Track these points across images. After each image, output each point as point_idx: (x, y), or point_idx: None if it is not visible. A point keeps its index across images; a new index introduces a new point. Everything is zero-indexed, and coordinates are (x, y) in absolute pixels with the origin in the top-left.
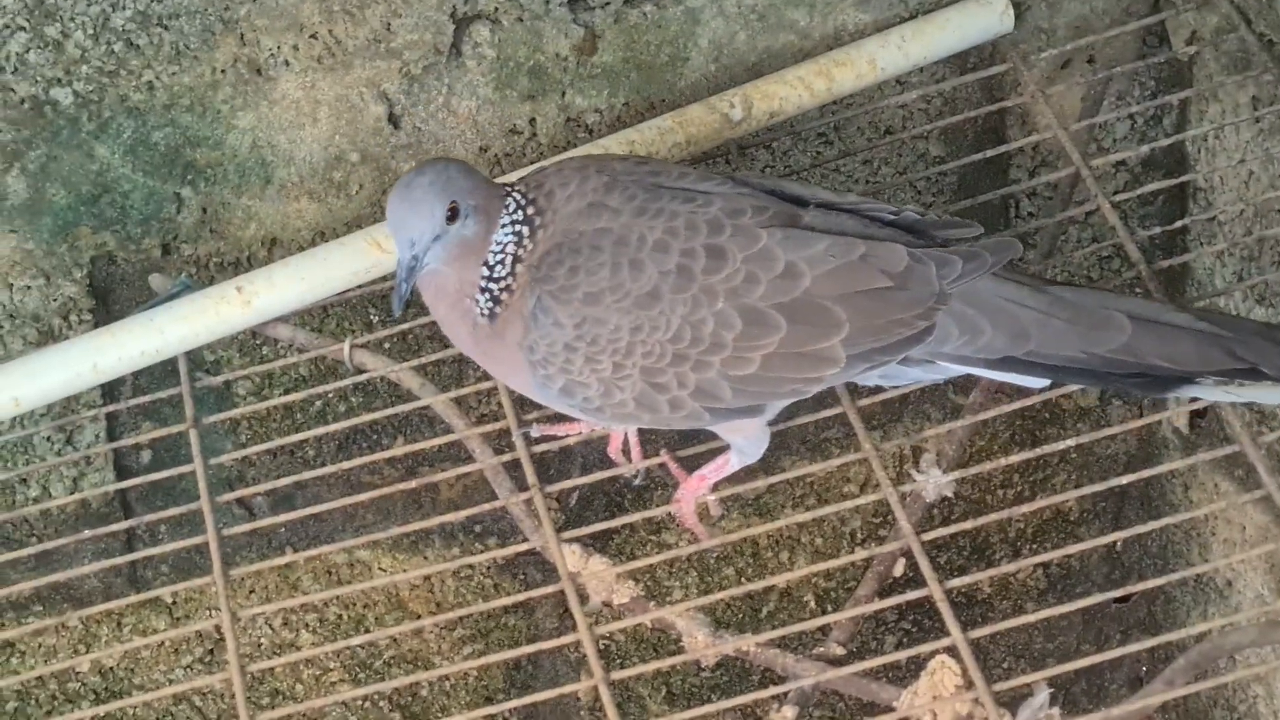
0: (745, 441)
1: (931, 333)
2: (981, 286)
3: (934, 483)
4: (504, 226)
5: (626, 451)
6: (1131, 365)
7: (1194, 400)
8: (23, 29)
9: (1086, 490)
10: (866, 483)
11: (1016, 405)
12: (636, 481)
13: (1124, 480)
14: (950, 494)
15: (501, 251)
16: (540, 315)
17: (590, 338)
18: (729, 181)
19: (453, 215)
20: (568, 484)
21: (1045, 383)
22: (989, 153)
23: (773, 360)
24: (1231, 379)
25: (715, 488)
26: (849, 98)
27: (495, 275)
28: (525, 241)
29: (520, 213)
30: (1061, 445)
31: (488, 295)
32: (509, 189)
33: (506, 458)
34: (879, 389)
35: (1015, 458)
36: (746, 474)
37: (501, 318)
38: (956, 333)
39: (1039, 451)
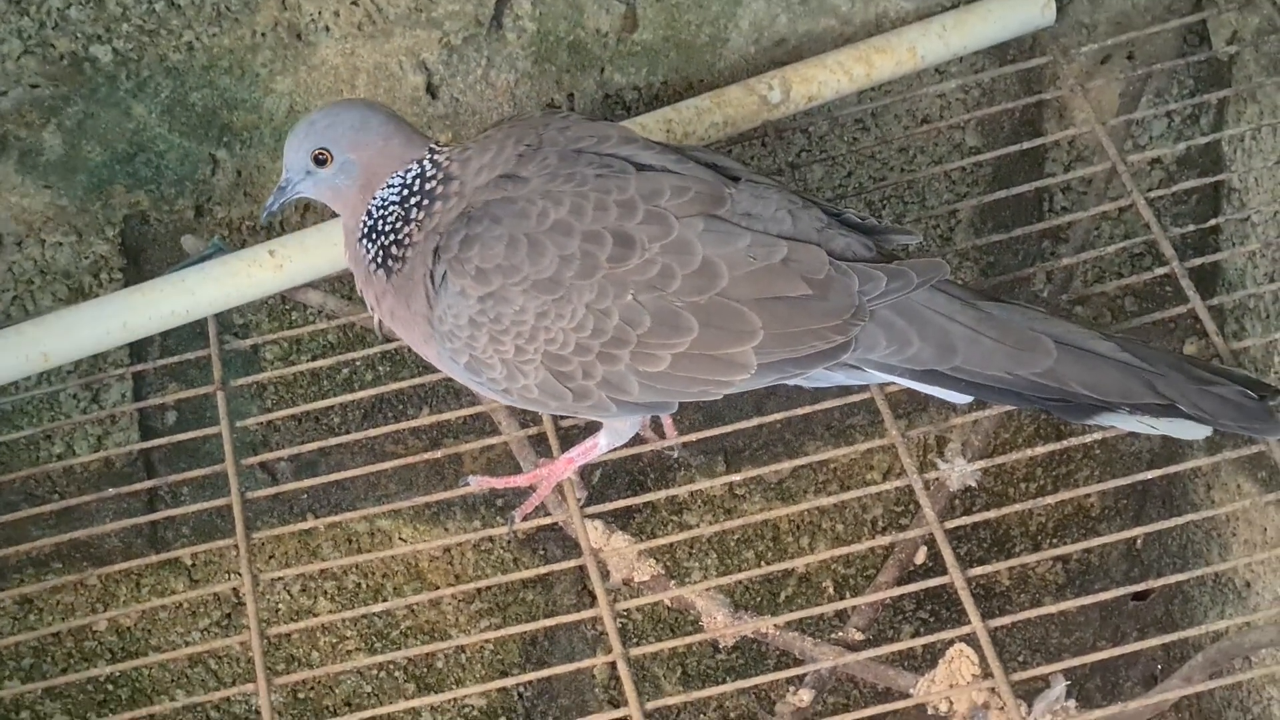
0: (619, 423)
1: (847, 350)
2: (914, 297)
3: (958, 472)
4: (390, 186)
5: (657, 428)
6: (1053, 390)
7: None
8: None
9: (1109, 485)
10: (890, 470)
11: None
12: (675, 454)
13: (1147, 476)
14: (974, 483)
15: (383, 207)
16: (447, 285)
17: (494, 315)
18: (659, 149)
19: (321, 162)
20: (597, 458)
21: (967, 399)
22: (1025, 145)
23: (683, 360)
24: (1149, 413)
25: (581, 470)
26: (887, 85)
27: (379, 228)
28: (419, 209)
29: (418, 181)
30: (1086, 439)
31: (377, 246)
32: (429, 151)
33: (532, 430)
34: None
35: (1040, 449)
36: (770, 457)
37: (400, 279)
38: (884, 341)
39: (1063, 444)
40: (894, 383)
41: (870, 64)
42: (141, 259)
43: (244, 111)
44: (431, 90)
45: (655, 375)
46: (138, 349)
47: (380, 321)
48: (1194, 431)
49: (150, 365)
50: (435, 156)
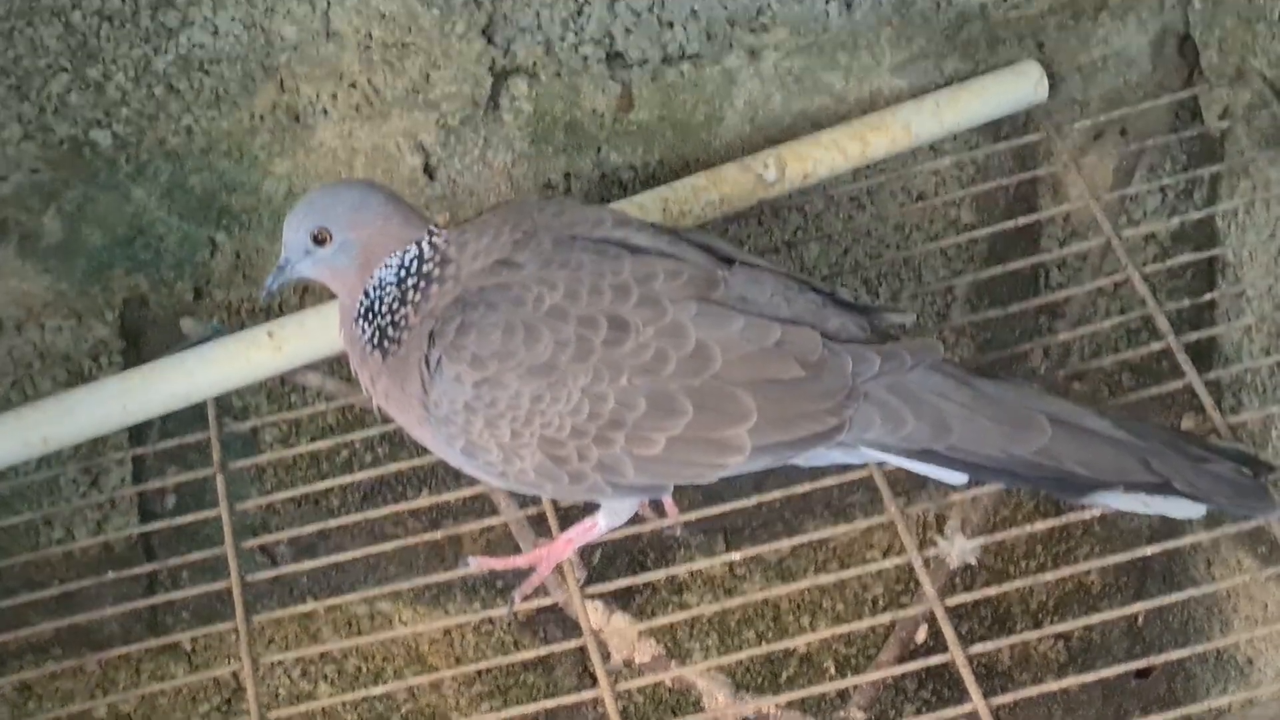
0: (617, 504)
1: (841, 431)
2: (909, 377)
3: (958, 549)
4: (388, 267)
5: (656, 506)
6: (1049, 469)
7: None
8: (64, 70)
9: (1109, 561)
10: (890, 548)
11: None
12: (677, 534)
13: (1147, 552)
14: (974, 561)
15: (380, 288)
16: (442, 370)
17: (489, 399)
18: (652, 231)
19: (322, 241)
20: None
21: (964, 479)
22: (1020, 221)
23: (677, 444)
24: (1144, 491)
25: (580, 551)
26: (882, 162)
27: (376, 309)
28: (415, 291)
29: (416, 262)
30: (1085, 515)
31: (373, 327)
32: (427, 233)
33: (531, 511)
34: None
35: (1040, 525)
36: (769, 536)
37: (395, 362)
38: (879, 421)
39: (1063, 521)
40: (890, 462)
41: (865, 142)
42: (141, 342)
43: (242, 194)
44: (429, 171)
45: (650, 458)
46: (137, 432)
47: (377, 405)
48: (1190, 510)
49: (149, 449)
50: (433, 239)
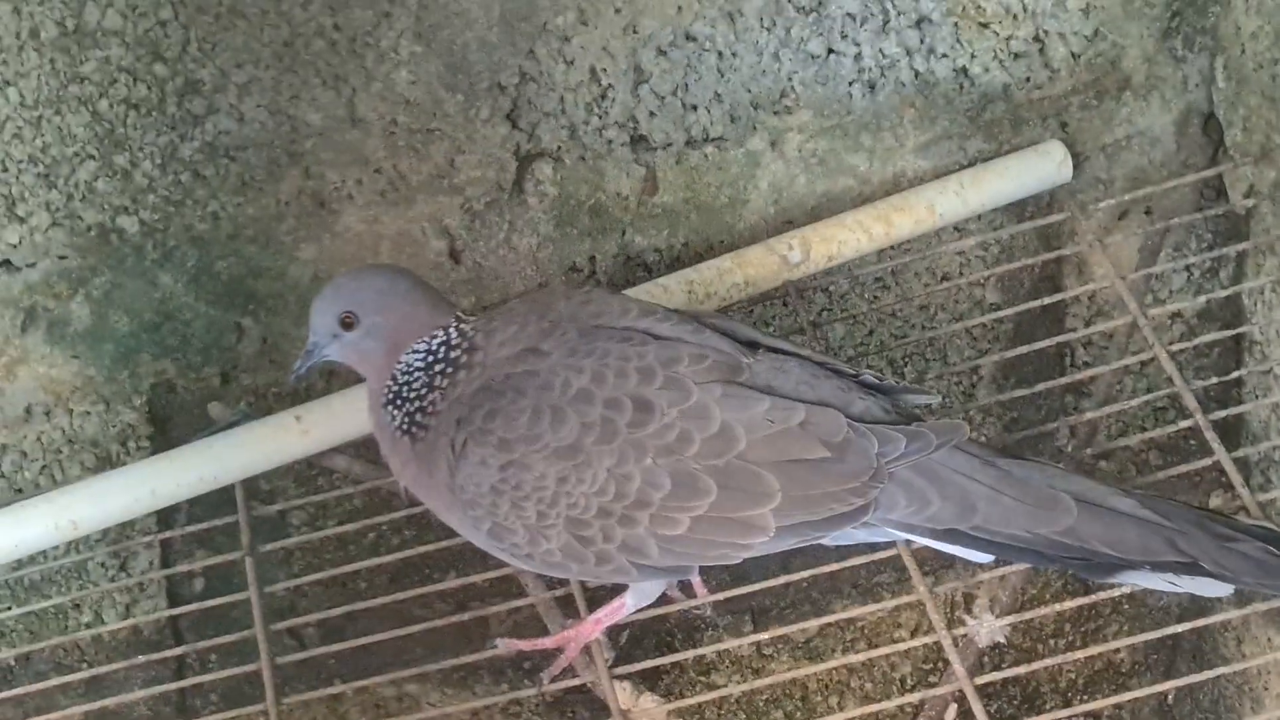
0: (645, 584)
1: (866, 512)
2: (933, 456)
3: (987, 628)
4: (415, 352)
5: (685, 587)
6: (1075, 548)
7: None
8: (92, 157)
9: (1138, 639)
10: (917, 628)
11: None
12: (707, 614)
13: (1176, 629)
14: (1003, 639)
15: (408, 373)
16: (468, 455)
17: (515, 482)
18: (676, 320)
19: (349, 325)
20: (625, 619)
21: (989, 558)
22: (1045, 300)
23: (701, 523)
24: (1171, 571)
25: (609, 630)
26: (907, 243)
27: (404, 394)
28: (443, 377)
29: (443, 348)
30: (1114, 593)
31: (402, 412)
32: (453, 320)
33: (559, 592)
34: None
35: (1069, 604)
36: (797, 616)
37: (423, 446)
38: (904, 501)
39: (1091, 599)
40: (915, 541)
41: (889, 223)
42: (168, 427)
43: (269, 279)
44: (454, 255)
45: (674, 539)
46: (165, 516)
47: (405, 487)
48: (1217, 589)
49: (178, 532)
50: (461, 325)
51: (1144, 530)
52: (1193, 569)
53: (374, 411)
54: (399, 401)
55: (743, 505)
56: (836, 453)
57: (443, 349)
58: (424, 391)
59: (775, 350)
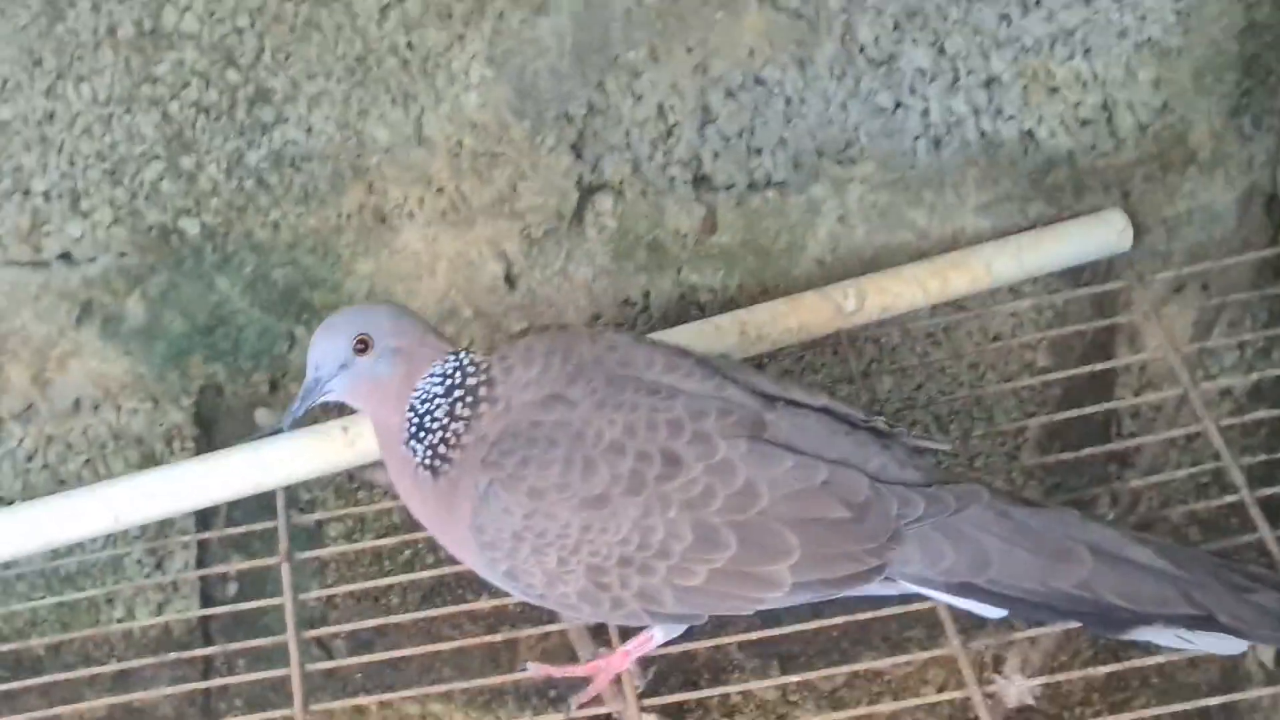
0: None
1: (881, 573)
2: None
3: (1016, 688)
4: (432, 377)
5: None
6: (1088, 602)
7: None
8: (158, 158)
9: (1165, 710)
10: (945, 684)
11: None
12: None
13: (1207, 703)
14: (1031, 701)
15: (427, 399)
16: (491, 499)
17: (539, 530)
18: (702, 370)
19: (363, 348)
20: (654, 651)
21: (1002, 613)
22: (1096, 366)
23: (718, 576)
24: (1186, 625)
25: (639, 661)
26: (961, 300)
27: (426, 425)
28: (465, 407)
29: (460, 375)
30: (1147, 661)
31: (424, 445)
32: (461, 352)
33: (590, 620)
34: None
35: (1102, 669)
36: (824, 664)
37: (445, 483)
38: (918, 556)
39: (1124, 665)
40: (928, 596)
41: (945, 279)
42: (214, 430)
43: (324, 291)
44: (510, 280)
45: (690, 589)
46: (204, 518)
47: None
48: (1230, 646)
49: (216, 534)
50: (471, 354)
51: (1159, 581)
52: (1207, 623)
53: (390, 450)
54: (420, 434)
55: (760, 560)
56: (856, 513)
57: (459, 375)
58: (446, 421)
59: (793, 403)
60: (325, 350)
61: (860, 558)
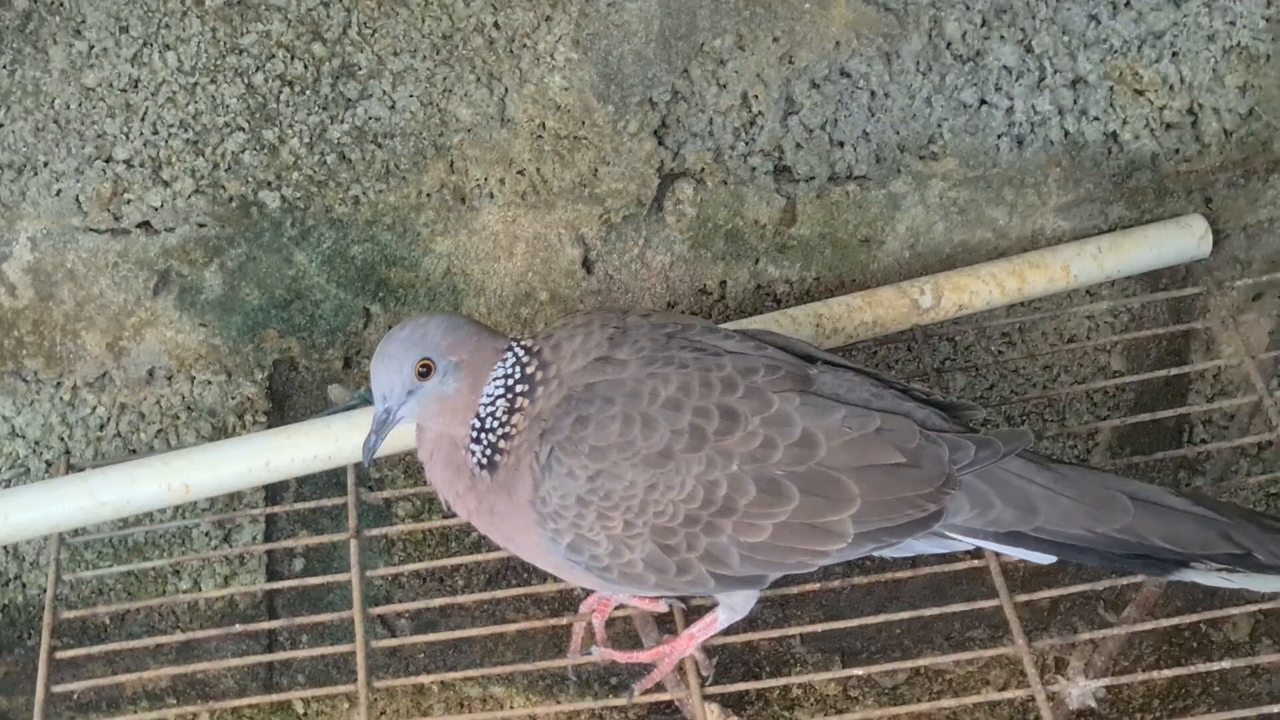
0: (736, 598)
1: (940, 518)
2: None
3: (1079, 690)
4: (495, 380)
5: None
6: (1134, 545)
7: None
8: (241, 129)
9: (1227, 717)
10: (1006, 684)
11: (1170, 622)
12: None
13: (1270, 710)
14: (1093, 704)
15: (492, 404)
16: (554, 465)
17: (604, 492)
18: (738, 336)
19: (426, 371)
20: (720, 639)
21: (1051, 559)
22: (1171, 371)
23: (783, 530)
24: (1227, 564)
25: (704, 646)
26: (1038, 300)
27: (488, 426)
28: (523, 397)
29: (518, 369)
30: (1211, 666)
31: (482, 445)
32: (512, 342)
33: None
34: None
35: (1166, 673)
36: (886, 660)
37: (504, 473)
38: (967, 506)
39: (1187, 670)
40: (978, 546)
41: (1023, 279)
42: (286, 404)
43: (402, 269)
44: (587, 264)
45: (756, 545)
46: (273, 492)
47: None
48: (1271, 584)
49: (284, 509)
50: (524, 343)
51: (1199, 524)
52: (1247, 560)
53: (440, 458)
54: (481, 436)
55: (824, 511)
56: (912, 459)
57: (517, 369)
58: (506, 417)
59: (833, 364)
60: (390, 382)
61: (919, 503)
